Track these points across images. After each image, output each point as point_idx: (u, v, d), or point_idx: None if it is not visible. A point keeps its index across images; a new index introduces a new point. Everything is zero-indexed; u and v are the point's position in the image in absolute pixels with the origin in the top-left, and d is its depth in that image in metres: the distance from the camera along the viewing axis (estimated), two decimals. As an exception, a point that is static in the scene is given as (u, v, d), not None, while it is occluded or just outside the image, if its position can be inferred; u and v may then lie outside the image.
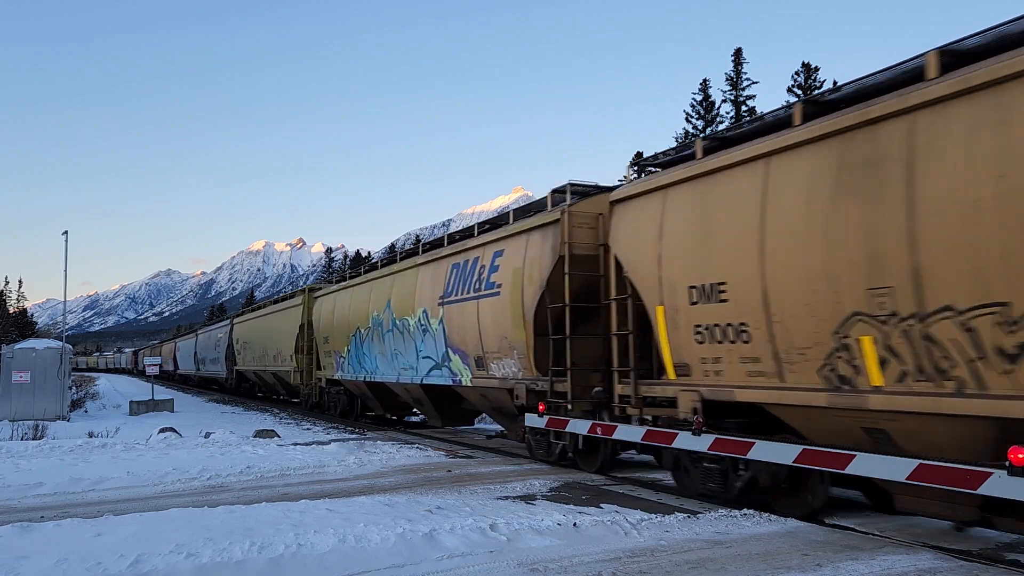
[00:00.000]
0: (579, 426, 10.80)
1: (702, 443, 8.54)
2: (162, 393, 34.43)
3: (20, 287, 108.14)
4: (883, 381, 6.65)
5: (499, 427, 15.04)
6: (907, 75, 6.88)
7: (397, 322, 16.70)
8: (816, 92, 10.22)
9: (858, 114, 6.91)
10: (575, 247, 11.05)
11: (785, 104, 8.85)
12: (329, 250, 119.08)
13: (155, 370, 32.36)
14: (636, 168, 11.97)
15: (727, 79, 42.07)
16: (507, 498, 9.11)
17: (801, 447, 7.45)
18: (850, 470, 6.94)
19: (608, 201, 10.78)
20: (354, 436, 17.21)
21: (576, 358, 11.07)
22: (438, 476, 11.10)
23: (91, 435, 16.69)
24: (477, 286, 13.42)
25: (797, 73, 39.71)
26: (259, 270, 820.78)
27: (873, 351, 6.67)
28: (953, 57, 6.47)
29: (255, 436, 16.17)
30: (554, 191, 12.43)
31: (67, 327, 48.05)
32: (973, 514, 6.49)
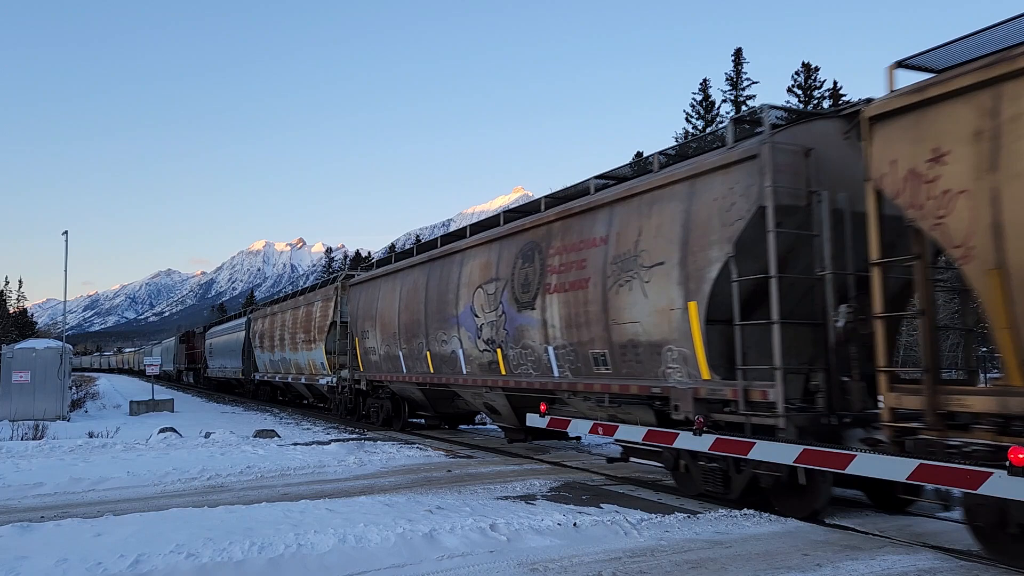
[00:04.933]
0: (580, 427, 10.82)
1: (703, 443, 8.55)
2: (162, 393, 34.41)
3: (20, 287, 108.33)
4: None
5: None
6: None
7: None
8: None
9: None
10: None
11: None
12: (329, 250, 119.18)
13: (155, 370, 32.31)
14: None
15: (727, 79, 42.12)
16: (507, 498, 9.12)
17: (801, 447, 7.45)
18: (850, 470, 6.95)
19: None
20: (354, 436, 17.22)
21: None
22: (438, 476, 11.10)
23: (91, 435, 16.69)
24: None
25: (797, 73, 39.77)
26: (259, 270, 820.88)
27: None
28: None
29: (255, 436, 16.17)
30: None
31: (67, 327, 47.31)
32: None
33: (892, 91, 6.91)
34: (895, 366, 7.44)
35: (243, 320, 34.61)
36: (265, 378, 29.66)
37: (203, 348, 45.34)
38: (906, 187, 6.62)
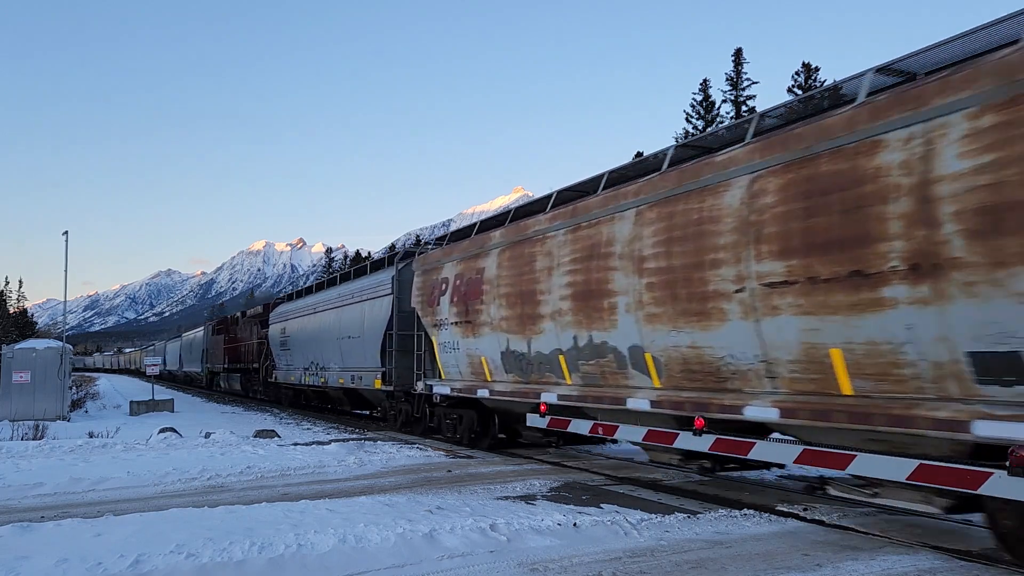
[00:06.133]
0: (580, 426, 10.82)
1: (703, 443, 8.55)
2: (162, 393, 34.39)
3: (20, 287, 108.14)
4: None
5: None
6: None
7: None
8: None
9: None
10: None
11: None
12: (329, 250, 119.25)
13: (155, 370, 32.26)
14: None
15: (727, 79, 42.12)
16: (507, 498, 9.12)
17: (802, 447, 7.46)
18: (850, 470, 6.95)
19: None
20: (354, 436, 17.21)
21: None
22: (438, 476, 11.10)
23: (91, 435, 16.69)
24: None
25: (797, 73, 39.74)
26: (259, 270, 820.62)
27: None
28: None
29: (255, 436, 16.17)
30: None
31: (67, 327, 46.31)
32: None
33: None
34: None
35: (386, 275, 17.53)
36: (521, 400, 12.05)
37: (255, 339, 31.06)
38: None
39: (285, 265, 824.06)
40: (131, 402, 28.02)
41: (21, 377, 22.12)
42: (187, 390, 47.72)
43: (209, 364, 41.85)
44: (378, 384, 17.56)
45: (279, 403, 29.32)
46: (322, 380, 22.09)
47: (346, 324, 19.72)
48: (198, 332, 46.85)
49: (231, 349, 36.29)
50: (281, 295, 31.51)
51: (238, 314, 37.93)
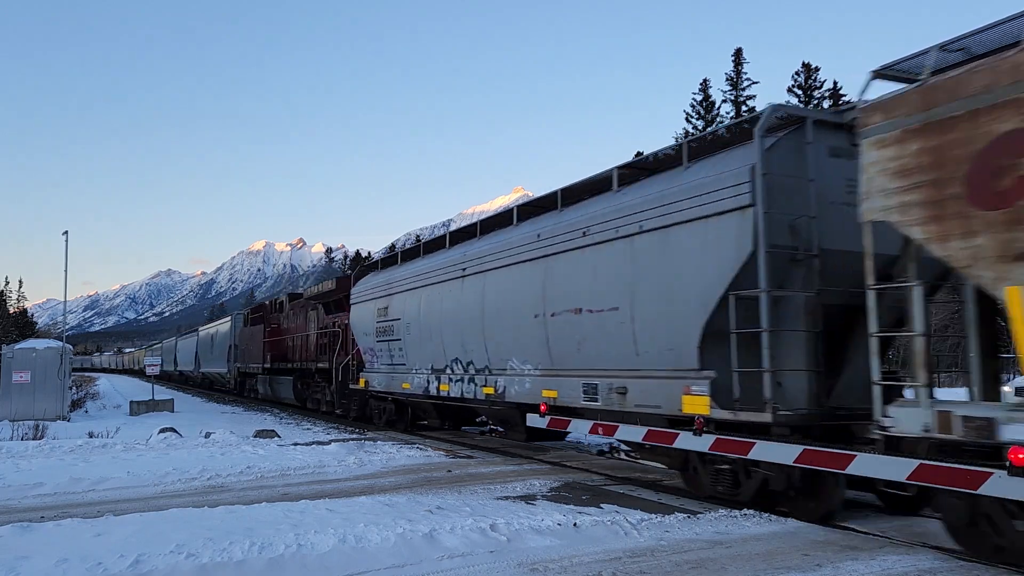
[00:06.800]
0: (580, 427, 10.82)
1: (703, 443, 8.54)
2: (162, 393, 34.36)
3: (20, 287, 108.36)
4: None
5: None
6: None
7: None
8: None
9: None
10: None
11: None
12: (329, 250, 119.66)
13: (155, 370, 32.24)
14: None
15: (727, 79, 42.17)
16: (507, 498, 9.12)
17: (801, 447, 7.45)
18: (850, 470, 6.95)
19: None
20: (354, 436, 17.22)
21: None
22: (438, 476, 11.10)
23: (91, 435, 16.69)
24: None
25: (797, 73, 39.80)
26: (259, 270, 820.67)
27: None
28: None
29: (255, 436, 16.18)
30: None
31: (67, 327, 45.80)
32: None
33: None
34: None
35: (725, 166, 8.05)
36: None
37: (314, 329, 23.75)
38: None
39: (285, 265, 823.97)
40: (131, 402, 28.02)
41: (21, 377, 22.12)
42: (187, 390, 47.60)
43: (240, 363, 33.34)
44: (700, 407, 8.37)
45: (368, 421, 19.84)
46: (488, 390, 13.06)
47: (567, 288, 10.68)
48: (222, 324, 38.59)
49: (275, 343, 27.97)
50: (372, 261, 21.90)
51: (283, 298, 29.33)
